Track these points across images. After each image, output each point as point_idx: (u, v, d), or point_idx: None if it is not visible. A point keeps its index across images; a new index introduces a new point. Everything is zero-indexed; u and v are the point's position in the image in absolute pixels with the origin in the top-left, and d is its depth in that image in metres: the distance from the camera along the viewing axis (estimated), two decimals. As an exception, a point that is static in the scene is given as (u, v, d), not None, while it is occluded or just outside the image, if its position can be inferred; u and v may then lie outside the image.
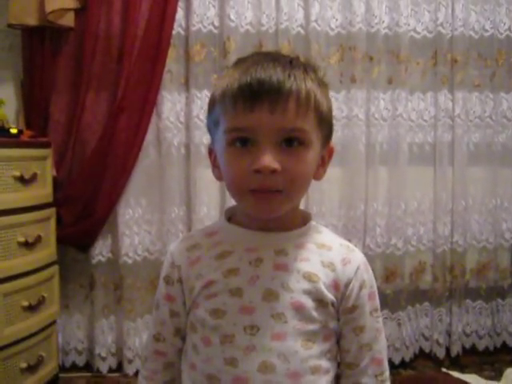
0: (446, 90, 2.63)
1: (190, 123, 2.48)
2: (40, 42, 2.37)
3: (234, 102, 0.84)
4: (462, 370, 2.56)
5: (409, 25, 2.58)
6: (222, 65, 2.45)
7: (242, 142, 0.85)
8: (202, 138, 2.46)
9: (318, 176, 0.94)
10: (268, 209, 0.87)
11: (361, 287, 0.93)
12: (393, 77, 2.59)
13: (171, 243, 1.02)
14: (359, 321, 0.93)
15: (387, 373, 0.97)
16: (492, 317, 2.78)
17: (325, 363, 0.90)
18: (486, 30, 2.66)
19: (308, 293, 0.89)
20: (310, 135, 0.86)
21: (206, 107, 2.52)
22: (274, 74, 0.83)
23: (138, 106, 2.38)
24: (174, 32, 2.42)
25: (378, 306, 0.97)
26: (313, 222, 0.97)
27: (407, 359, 2.66)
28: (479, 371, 2.56)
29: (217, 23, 2.48)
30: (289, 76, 0.84)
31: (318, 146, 0.89)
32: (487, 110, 2.70)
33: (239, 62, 0.91)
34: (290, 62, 0.87)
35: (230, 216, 0.98)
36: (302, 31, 2.52)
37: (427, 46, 2.64)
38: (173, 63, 2.46)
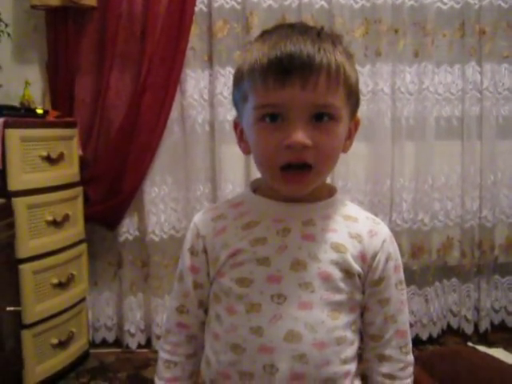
0: (473, 62, 2.59)
1: (213, 100, 2.47)
2: (63, 23, 2.38)
3: (263, 77, 0.83)
4: (491, 345, 2.52)
5: (435, -5, 2.53)
6: (246, 41, 2.43)
7: (272, 117, 0.84)
8: (226, 114, 2.46)
9: (345, 149, 0.93)
10: (298, 187, 0.87)
11: (387, 259, 0.92)
12: (419, 49, 2.54)
13: (195, 214, 1.02)
14: (385, 293, 0.93)
15: (410, 344, 0.97)
16: (521, 292, 2.76)
17: (350, 334, 0.91)
18: (516, -1, 2.59)
19: (335, 263, 0.89)
20: (340, 110, 0.85)
21: (229, 84, 2.52)
22: (304, 48, 0.82)
23: (162, 84, 2.38)
24: (196, 9, 2.41)
25: (403, 279, 0.96)
26: (338, 195, 0.97)
27: (435, 335, 2.66)
28: (508, 347, 2.52)
29: (239, -2, 2.46)
30: (318, 50, 0.82)
31: (346, 119, 0.89)
32: (516, 82, 2.64)
33: (265, 34, 0.89)
34: (318, 35, 0.86)
35: (256, 188, 0.98)
36: (326, 5, 2.49)
37: (454, 17, 2.58)
38: (196, 40, 2.45)
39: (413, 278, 2.59)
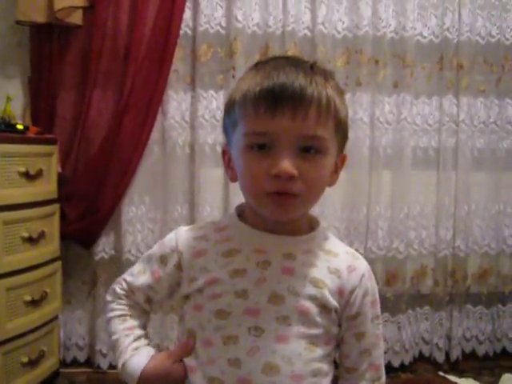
0: (451, 94, 2.64)
1: (195, 123, 2.49)
2: (48, 40, 2.38)
3: (255, 105, 0.84)
4: (461, 374, 2.56)
5: (415, 29, 2.59)
6: (229, 65, 2.46)
7: (261, 146, 0.85)
8: (207, 137, 2.48)
9: (331, 183, 0.94)
10: (284, 212, 0.87)
11: (364, 295, 0.94)
12: (398, 81, 2.59)
13: (180, 226, 1.03)
14: (361, 327, 0.94)
15: (384, 378, 0.99)
16: (492, 322, 2.79)
17: (325, 366, 0.92)
18: (493, 36, 2.66)
19: (313, 298, 0.89)
20: (327, 143, 0.87)
21: (211, 107, 2.53)
22: (296, 80, 0.83)
23: (144, 105, 2.39)
24: (181, 32, 2.43)
25: (379, 313, 0.98)
26: (320, 228, 0.98)
27: (406, 362, 2.67)
28: (478, 376, 2.56)
29: (224, 24, 2.49)
30: (310, 82, 0.84)
31: (333, 152, 0.90)
32: (492, 116, 2.70)
33: (259, 65, 0.92)
34: (311, 68, 0.88)
35: (240, 213, 0.98)
36: (309, 33, 2.53)
37: (433, 50, 2.64)
38: (179, 63, 2.47)
39: (386, 305, 2.60)
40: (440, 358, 2.71)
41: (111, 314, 1.02)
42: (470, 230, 2.71)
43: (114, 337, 0.99)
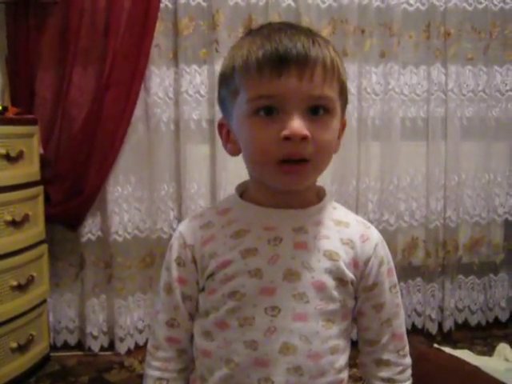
0: (439, 63, 2.60)
1: (179, 98, 2.44)
2: (24, 17, 2.31)
3: (259, 68, 0.81)
4: (455, 345, 2.56)
5: (401, -4, 2.54)
6: (211, 39, 2.41)
7: (267, 110, 0.81)
8: (192, 113, 2.44)
9: (335, 148, 0.91)
10: (296, 180, 0.84)
11: (380, 264, 0.92)
12: (385, 50, 2.55)
13: (180, 223, 0.98)
14: (379, 298, 0.93)
15: (407, 347, 0.97)
16: (484, 292, 2.79)
17: (342, 342, 0.90)
18: (480, 2, 2.61)
19: (329, 272, 0.87)
20: (335, 103, 0.85)
21: (194, 82, 2.47)
22: (299, 41, 0.81)
23: (126, 81, 2.33)
24: (161, 5, 2.37)
25: (396, 282, 0.96)
26: (328, 197, 0.95)
27: (400, 335, 2.66)
28: (471, 346, 2.56)
29: (205, -4, 2.43)
30: (313, 43, 0.82)
31: (339, 116, 0.87)
32: (480, 84, 2.67)
33: (253, 31, 0.88)
34: (310, 31, 0.86)
35: (242, 192, 0.95)
36: (293, 4, 2.48)
37: (420, 18, 2.60)
38: (161, 37, 2.41)
39: (378, 278, 2.58)
40: (433, 329, 2.71)
41: (149, 372, 0.95)
42: (460, 200, 2.69)
43: None
